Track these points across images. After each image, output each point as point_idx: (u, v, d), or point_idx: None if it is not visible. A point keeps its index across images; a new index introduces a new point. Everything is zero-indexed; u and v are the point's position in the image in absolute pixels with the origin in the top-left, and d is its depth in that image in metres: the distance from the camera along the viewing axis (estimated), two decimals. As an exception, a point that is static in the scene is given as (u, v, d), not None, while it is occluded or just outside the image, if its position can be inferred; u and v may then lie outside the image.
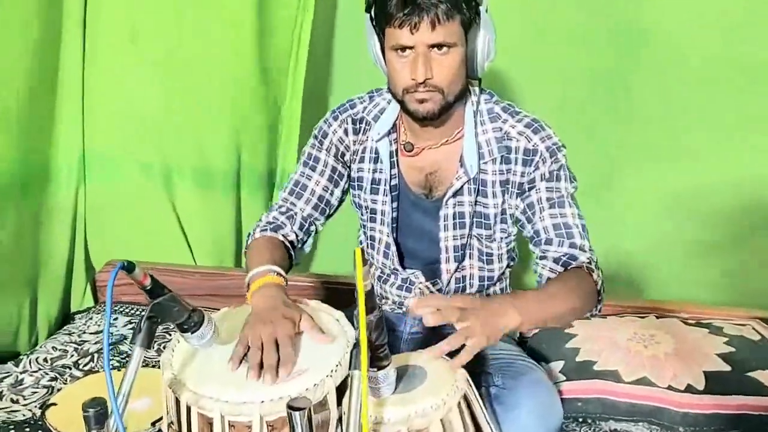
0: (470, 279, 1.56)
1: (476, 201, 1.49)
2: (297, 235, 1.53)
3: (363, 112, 1.55)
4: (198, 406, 1.12)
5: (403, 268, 1.59)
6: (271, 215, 1.55)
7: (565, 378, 1.60)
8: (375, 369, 1.05)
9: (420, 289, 1.60)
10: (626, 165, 2.15)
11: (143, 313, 1.03)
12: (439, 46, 1.32)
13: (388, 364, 1.07)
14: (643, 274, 2.19)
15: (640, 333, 1.69)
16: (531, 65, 2.11)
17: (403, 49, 1.33)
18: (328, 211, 1.59)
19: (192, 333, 1.12)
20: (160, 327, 1.07)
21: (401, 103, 1.42)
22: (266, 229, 1.51)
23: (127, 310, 2.13)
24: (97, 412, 0.90)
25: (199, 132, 2.20)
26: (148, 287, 1.03)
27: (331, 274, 2.19)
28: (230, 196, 2.27)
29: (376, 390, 1.08)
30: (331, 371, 1.15)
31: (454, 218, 1.50)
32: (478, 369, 1.38)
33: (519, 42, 2.01)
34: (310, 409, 0.84)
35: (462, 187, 1.48)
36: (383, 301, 1.67)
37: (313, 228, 1.57)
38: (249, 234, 1.54)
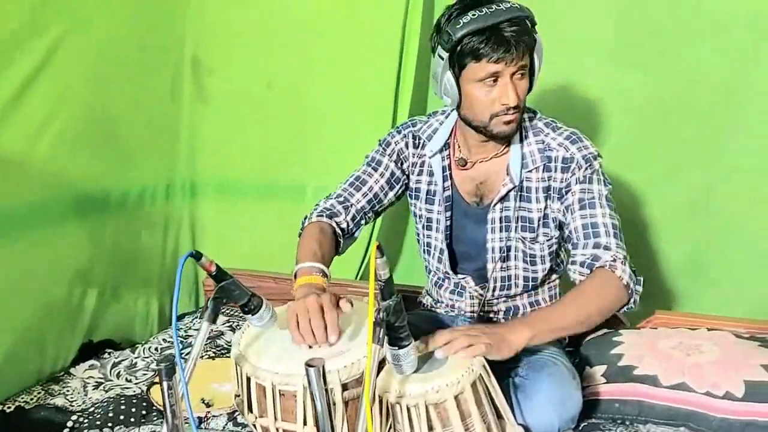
0: (515, 279, 1.70)
1: (520, 206, 1.64)
2: (348, 225, 1.72)
3: (419, 131, 1.74)
4: (255, 376, 1.35)
5: (455, 273, 1.76)
6: (329, 202, 1.73)
7: (605, 381, 1.69)
8: (396, 347, 1.23)
9: (470, 293, 1.76)
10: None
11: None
12: (522, 68, 1.49)
13: (408, 345, 1.24)
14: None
15: (687, 342, 1.74)
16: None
17: (495, 79, 1.48)
18: (378, 208, 1.78)
19: (252, 314, 1.35)
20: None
21: (483, 127, 1.55)
22: (322, 215, 1.70)
23: (227, 312, 2.42)
24: (167, 366, 1.14)
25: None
26: (214, 273, 1.27)
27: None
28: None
29: (398, 366, 1.26)
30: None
31: (500, 222, 1.66)
32: (510, 364, 1.52)
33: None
34: (323, 368, 1.03)
35: (508, 193, 1.63)
36: (438, 304, 1.83)
37: (363, 222, 1.76)
38: (305, 217, 1.71)
